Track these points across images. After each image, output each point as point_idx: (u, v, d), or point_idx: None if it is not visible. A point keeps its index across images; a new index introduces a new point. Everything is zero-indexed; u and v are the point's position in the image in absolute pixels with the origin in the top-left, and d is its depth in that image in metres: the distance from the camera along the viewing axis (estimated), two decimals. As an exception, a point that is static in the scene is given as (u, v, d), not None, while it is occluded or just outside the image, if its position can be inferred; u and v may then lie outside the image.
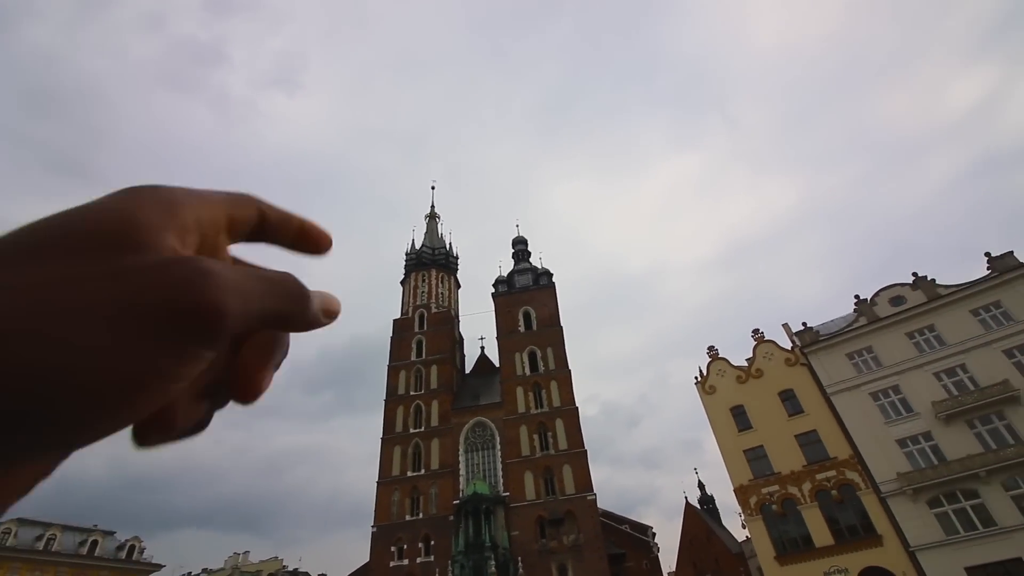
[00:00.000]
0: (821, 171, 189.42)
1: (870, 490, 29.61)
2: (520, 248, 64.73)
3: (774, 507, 31.37)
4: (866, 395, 32.05)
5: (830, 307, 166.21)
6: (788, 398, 34.64)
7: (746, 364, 37.39)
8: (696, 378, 38.55)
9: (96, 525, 46.25)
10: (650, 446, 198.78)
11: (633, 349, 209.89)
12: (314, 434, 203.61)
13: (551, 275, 58.49)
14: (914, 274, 34.16)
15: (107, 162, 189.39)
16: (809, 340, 35.77)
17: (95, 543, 44.68)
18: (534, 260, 63.07)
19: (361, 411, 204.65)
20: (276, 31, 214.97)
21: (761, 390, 35.59)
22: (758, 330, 38.15)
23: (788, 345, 36.82)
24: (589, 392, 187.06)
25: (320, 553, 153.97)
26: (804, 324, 36.98)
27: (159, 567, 47.98)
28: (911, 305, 33.19)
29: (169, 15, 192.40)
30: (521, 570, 39.04)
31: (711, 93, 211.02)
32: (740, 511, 32.47)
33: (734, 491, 32.80)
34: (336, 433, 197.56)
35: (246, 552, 71.75)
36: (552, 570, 39.40)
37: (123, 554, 45.95)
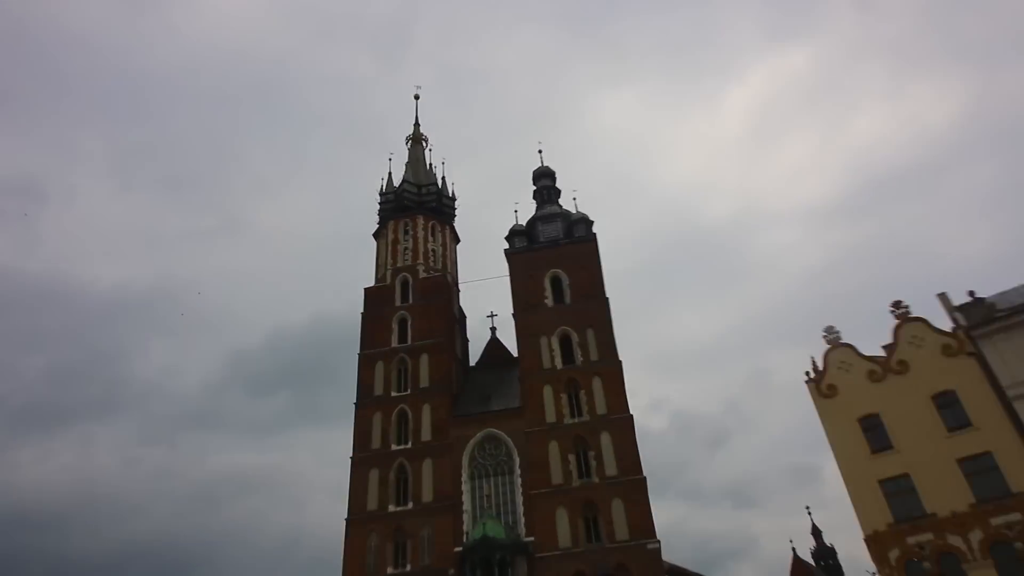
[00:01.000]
0: (999, 66, 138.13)
1: (1081, 542, 22.90)
2: (545, 184, 54.09)
3: (925, 564, 25.41)
4: (1075, 403, 24.37)
5: (1010, 270, 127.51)
6: (947, 404, 27.66)
7: (883, 354, 30.23)
8: (808, 374, 31.58)
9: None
10: (743, 474, 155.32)
11: (716, 334, 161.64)
12: (264, 453, 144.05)
13: (591, 223, 48.53)
14: None
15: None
16: (980, 318, 28.12)
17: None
18: (565, 202, 52.46)
19: (328, 420, 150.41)
20: None
21: (906, 392, 28.66)
22: (901, 303, 30.64)
23: (947, 325, 29.28)
24: (652, 395, 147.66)
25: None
26: (971, 294, 29.22)
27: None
28: None
29: None
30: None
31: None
32: (874, 570, 27.29)
33: (864, 540, 27.33)
34: (294, 451, 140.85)
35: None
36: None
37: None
